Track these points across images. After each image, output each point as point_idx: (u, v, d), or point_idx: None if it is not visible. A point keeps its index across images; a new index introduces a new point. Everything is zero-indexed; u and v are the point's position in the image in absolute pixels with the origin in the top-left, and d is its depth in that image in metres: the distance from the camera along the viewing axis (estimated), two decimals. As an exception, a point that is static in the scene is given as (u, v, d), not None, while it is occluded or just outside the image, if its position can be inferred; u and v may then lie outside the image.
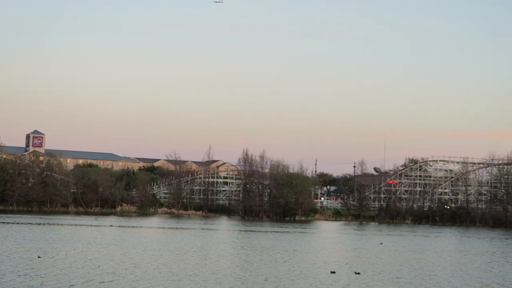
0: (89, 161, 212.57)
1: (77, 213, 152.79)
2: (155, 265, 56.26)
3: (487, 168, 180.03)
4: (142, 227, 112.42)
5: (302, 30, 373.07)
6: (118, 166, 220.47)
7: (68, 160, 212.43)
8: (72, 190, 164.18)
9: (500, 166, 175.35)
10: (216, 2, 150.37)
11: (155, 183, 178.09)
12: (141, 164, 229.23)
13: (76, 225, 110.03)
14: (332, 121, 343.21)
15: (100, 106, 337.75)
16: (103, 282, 45.91)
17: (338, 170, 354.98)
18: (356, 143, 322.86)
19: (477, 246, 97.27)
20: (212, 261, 61.92)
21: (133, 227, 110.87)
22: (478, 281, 54.85)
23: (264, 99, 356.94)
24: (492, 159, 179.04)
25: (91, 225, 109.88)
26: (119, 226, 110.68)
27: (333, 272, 55.52)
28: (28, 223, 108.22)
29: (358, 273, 55.65)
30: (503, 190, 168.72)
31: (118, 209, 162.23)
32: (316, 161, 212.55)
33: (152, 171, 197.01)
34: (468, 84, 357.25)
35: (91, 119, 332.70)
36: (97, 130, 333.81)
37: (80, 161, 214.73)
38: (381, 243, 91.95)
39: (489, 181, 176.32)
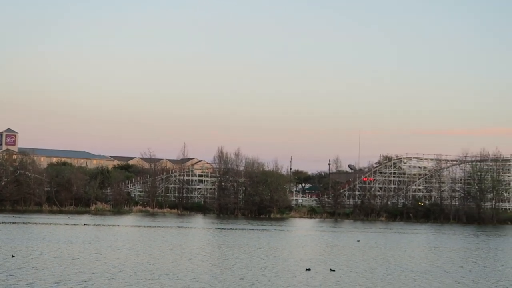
0: (63, 159, 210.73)
1: (51, 212, 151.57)
2: (135, 264, 56.06)
3: (461, 165, 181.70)
4: (118, 225, 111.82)
5: (280, 29, 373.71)
6: (92, 164, 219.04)
7: (42, 159, 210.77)
8: (46, 189, 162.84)
9: (473, 163, 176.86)
10: None
11: (129, 182, 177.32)
12: (115, 162, 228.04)
13: (50, 224, 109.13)
14: (307, 118, 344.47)
15: (73, 104, 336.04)
16: (84, 281, 45.68)
17: (313, 167, 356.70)
18: (331, 141, 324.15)
19: (454, 242, 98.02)
20: (191, 259, 61.84)
21: (109, 225, 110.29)
22: (455, 277, 55.26)
23: (239, 97, 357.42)
24: (465, 156, 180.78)
25: (65, 224, 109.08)
26: (95, 225, 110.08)
27: (308, 270, 55.77)
28: (1, 222, 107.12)
29: (333, 270, 55.93)
30: (476, 187, 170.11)
31: (93, 207, 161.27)
32: (291, 158, 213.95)
33: (127, 169, 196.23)
34: (441, 82, 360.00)
35: (65, 117, 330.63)
36: (71, 128, 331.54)
37: (54, 160, 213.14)
38: (358, 240, 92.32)
39: (463, 178, 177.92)
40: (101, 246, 71.57)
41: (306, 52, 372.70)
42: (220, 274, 51.81)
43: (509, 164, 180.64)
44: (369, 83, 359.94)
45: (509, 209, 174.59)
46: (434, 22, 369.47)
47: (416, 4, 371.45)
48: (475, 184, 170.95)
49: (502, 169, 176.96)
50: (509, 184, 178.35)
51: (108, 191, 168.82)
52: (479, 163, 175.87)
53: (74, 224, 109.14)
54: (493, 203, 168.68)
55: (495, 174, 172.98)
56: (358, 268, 58.67)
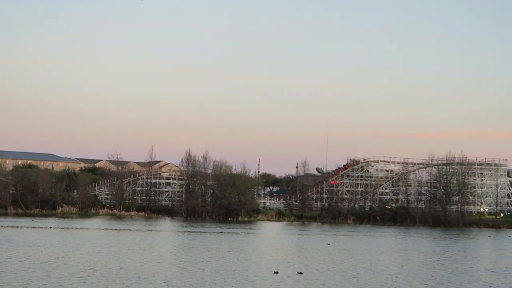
0: (28, 161, 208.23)
1: (16, 215, 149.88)
2: (106, 268, 55.73)
3: (427, 169, 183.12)
4: (86, 228, 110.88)
5: (248, 30, 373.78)
6: (58, 166, 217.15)
7: (7, 161, 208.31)
8: (11, 192, 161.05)
9: (439, 167, 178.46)
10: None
11: (96, 184, 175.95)
12: (82, 164, 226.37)
13: (16, 227, 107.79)
14: (274, 121, 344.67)
15: (39, 106, 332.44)
16: (55, 285, 45.24)
17: (281, 170, 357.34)
18: (298, 144, 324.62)
19: (424, 245, 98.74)
20: (162, 262, 61.67)
21: (76, 228, 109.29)
22: (425, 279, 55.73)
23: (207, 99, 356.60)
24: (431, 160, 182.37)
25: (33, 227, 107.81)
26: (63, 228, 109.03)
27: (276, 273, 56.09)
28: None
29: (301, 273, 56.29)
30: (442, 190, 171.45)
31: (59, 210, 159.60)
32: (259, 161, 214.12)
33: (94, 172, 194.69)
34: (407, 84, 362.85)
35: (31, 118, 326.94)
36: (37, 130, 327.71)
37: (20, 162, 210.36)
38: (329, 244, 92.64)
39: (429, 181, 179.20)
40: (70, 249, 70.91)
41: (272, 55, 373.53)
42: (191, 278, 51.85)
43: (474, 168, 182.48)
44: (336, 85, 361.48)
45: (474, 212, 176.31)
46: (410, 22, 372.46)
47: (387, 4, 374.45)
48: (441, 188, 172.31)
49: (468, 173, 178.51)
50: (474, 187, 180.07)
51: (75, 194, 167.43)
52: (445, 167, 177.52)
53: (41, 227, 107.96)
54: (459, 206, 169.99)
55: (460, 177, 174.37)
56: (328, 271, 58.93)
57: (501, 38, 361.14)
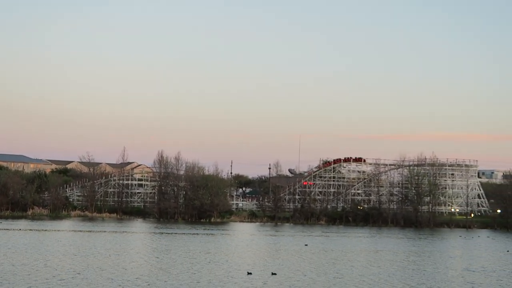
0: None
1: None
2: (86, 270, 55.49)
3: (398, 170, 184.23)
4: (58, 230, 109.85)
5: (217, 29, 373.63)
6: (29, 168, 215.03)
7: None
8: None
9: (411, 168, 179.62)
10: None
11: (68, 186, 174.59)
12: (53, 166, 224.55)
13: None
14: (247, 122, 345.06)
15: (10, 107, 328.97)
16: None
17: (253, 171, 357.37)
18: (271, 145, 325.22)
19: (398, 246, 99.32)
20: (139, 264, 61.63)
21: (50, 230, 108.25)
22: (402, 279, 56.16)
23: (179, 100, 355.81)
24: (403, 161, 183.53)
25: (6, 229, 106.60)
26: (35, 230, 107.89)
27: (250, 273, 56.32)
28: None
29: (275, 274, 56.56)
30: (414, 191, 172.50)
31: (30, 212, 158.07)
32: (231, 162, 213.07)
33: (65, 173, 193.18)
34: (379, 87, 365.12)
35: (1, 119, 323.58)
36: (8, 131, 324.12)
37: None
38: (306, 244, 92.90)
39: (400, 182, 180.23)
40: (46, 252, 70.33)
41: (246, 54, 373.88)
42: (168, 279, 51.94)
43: (445, 169, 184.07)
44: (309, 86, 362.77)
45: (445, 212, 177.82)
46: (380, 23, 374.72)
47: (352, 4, 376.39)
48: (413, 188, 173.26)
49: (439, 173, 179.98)
50: (445, 188, 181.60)
51: (46, 195, 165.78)
52: (416, 168, 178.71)
53: (14, 229, 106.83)
54: (430, 206, 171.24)
55: (432, 178, 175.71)
56: (302, 272, 59.12)
57: (474, 43, 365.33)
